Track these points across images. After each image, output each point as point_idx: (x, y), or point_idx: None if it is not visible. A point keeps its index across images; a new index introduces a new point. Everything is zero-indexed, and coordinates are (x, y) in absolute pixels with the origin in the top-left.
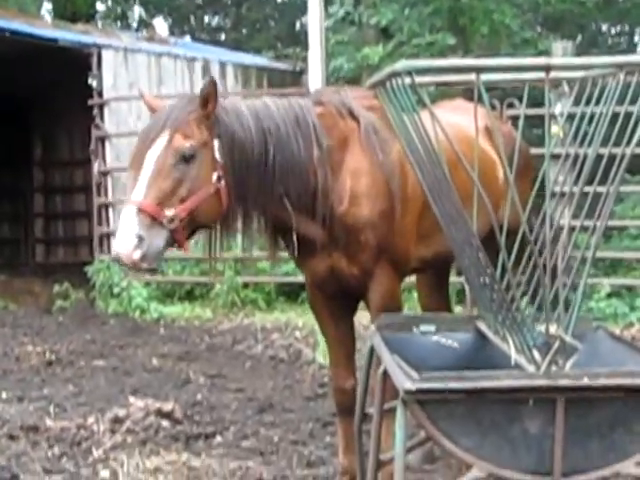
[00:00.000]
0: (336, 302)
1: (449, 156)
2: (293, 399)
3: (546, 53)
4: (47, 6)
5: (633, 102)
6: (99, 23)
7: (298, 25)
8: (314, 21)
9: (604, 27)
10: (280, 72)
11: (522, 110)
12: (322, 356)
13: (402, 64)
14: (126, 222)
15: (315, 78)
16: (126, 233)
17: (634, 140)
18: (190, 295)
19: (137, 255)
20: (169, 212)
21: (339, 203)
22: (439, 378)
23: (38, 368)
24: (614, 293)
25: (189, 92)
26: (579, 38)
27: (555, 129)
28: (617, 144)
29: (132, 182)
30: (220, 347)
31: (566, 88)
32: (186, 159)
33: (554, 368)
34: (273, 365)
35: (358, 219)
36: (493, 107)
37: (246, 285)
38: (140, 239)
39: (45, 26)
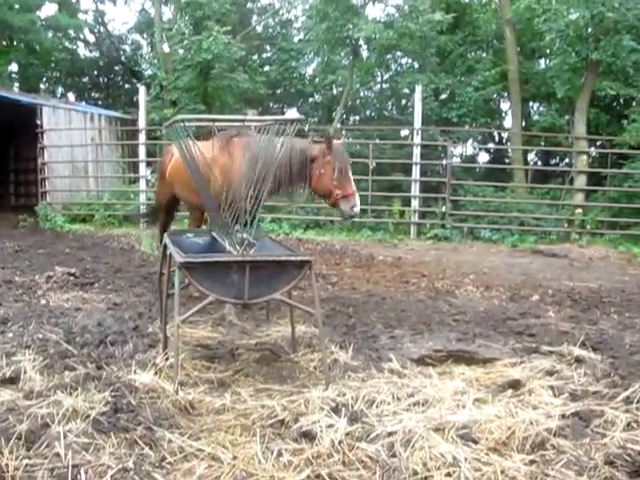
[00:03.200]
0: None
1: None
2: (131, 266)
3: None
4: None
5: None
6: (42, 93)
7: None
8: (142, 100)
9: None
10: (126, 120)
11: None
12: (144, 248)
13: (180, 116)
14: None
15: (142, 124)
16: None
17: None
18: (84, 220)
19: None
20: None
21: None
22: (193, 256)
23: (11, 254)
24: (273, 220)
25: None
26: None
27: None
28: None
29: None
30: (98, 244)
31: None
32: None
33: (245, 252)
34: (122, 252)
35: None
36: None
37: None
38: None
39: (14, 94)
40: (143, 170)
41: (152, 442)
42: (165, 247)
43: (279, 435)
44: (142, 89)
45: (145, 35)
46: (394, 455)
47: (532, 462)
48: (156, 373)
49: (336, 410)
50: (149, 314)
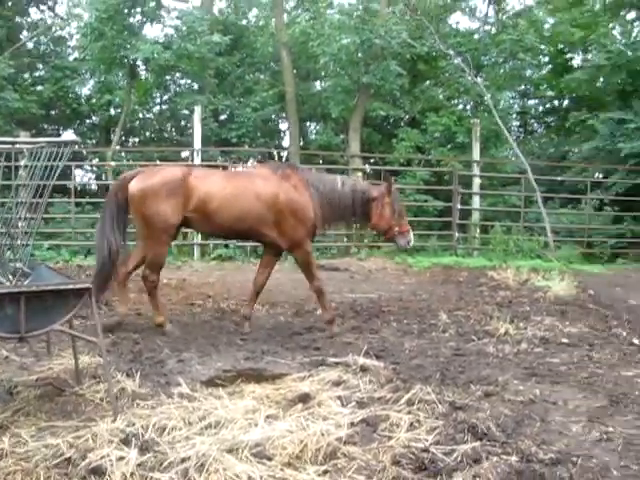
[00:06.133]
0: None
1: None
2: None
3: None
4: None
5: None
6: None
7: None
8: None
9: None
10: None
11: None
12: None
13: None
14: None
15: None
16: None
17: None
18: None
19: None
20: None
21: None
22: None
23: None
24: (51, 247)
25: None
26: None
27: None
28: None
29: None
30: None
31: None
32: None
33: (19, 282)
34: None
35: None
36: None
37: None
38: None
39: None
40: None
41: None
42: None
43: (66, 475)
44: None
45: None
46: None
47: (325, 472)
48: None
49: (126, 441)
50: None
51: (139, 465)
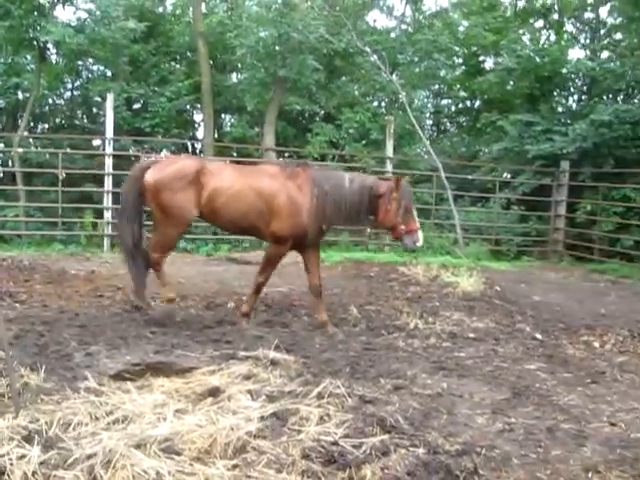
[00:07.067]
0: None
1: None
2: None
3: None
4: None
5: None
6: None
7: None
8: None
9: None
10: None
11: None
12: None
13: None
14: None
15: None
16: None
17: None
18: None
19: None
20: None
21: None
22: None
23: None
24: None
25: None
26: None
27: None
28: None
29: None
30: None
31: None
32: None
33: None
34: None
35: None
36: None
37: None
38: None
39: None
40: None
41: None
42: None
43: None
44: None
45: None
46: (95, 479)
47: (235, 466)
48: None
49: (28, 439)
50: None
51: (42, 463)
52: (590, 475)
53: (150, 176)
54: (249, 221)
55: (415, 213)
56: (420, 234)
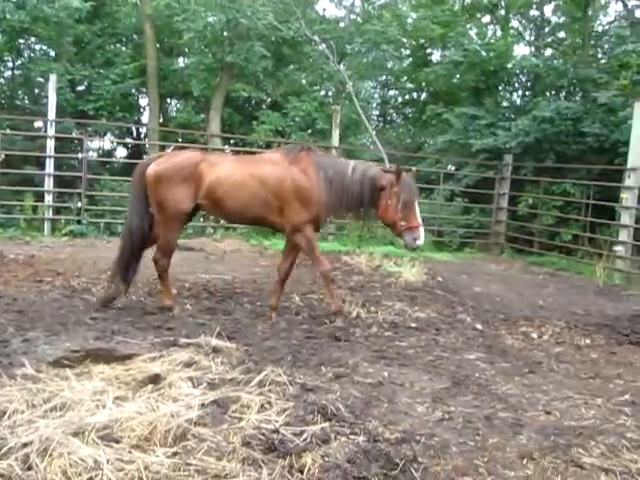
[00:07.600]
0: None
1: None
2: None
3: None
4: None
5: None
6: None
7: None
8: None
9: None
10: None
11: None
12: None
13: None
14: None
15: None
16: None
17: None
18: None
19: None
20: None
21: None
22: None
23: None
24: None
25: None
26: None
27: None
28: None
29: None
30: None
31: None
32: None
33: None
34: None
35: None
36: None
37: None
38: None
39: None
40: None
41: None
42: None
43: None
44: None
45: None
46: (30, 468)
47: (175, 454)
48: None
49: None
50: None
51: None
52: (525, 461)
53: (151, 169)
54: (253, 211)
55: (417, 209)
56: (421, 231)
